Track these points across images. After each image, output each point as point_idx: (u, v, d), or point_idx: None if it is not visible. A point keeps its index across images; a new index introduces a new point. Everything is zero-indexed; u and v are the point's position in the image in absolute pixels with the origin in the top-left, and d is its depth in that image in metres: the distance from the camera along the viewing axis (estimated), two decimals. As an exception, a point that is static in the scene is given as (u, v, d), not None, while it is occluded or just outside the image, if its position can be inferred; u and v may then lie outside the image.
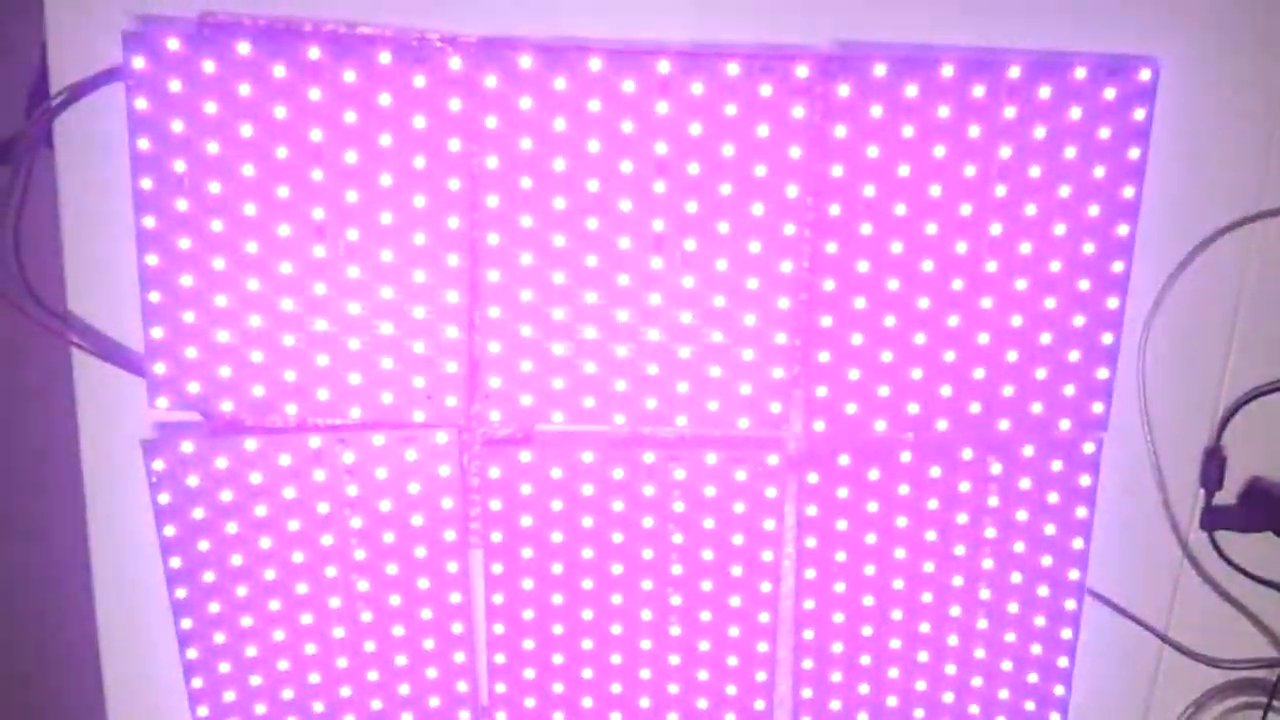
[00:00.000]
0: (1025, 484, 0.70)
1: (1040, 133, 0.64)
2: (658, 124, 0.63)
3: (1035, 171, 0.65)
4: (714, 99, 0.63)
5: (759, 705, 0.73)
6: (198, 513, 0.68)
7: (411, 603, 0.71)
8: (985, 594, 0.72)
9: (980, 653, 0.73)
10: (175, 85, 0.62)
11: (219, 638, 0.71)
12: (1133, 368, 0.70)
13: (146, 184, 0.63)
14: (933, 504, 0.70)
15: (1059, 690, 0.74)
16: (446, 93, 0.63)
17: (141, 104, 0.62)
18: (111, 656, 0.72)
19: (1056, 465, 0.70)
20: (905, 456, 0.69)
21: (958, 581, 0.72)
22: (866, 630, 0.72)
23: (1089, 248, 0.66)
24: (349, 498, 0.69)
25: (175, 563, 0.69)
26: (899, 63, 0.63)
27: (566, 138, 0.63)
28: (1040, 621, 0.73)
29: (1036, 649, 0.73)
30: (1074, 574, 0.72)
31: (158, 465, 0.67)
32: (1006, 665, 0.73)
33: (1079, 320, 0.67)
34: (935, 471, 0.70)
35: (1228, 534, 0.73)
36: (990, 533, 0.71)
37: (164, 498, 0.68)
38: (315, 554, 0.70)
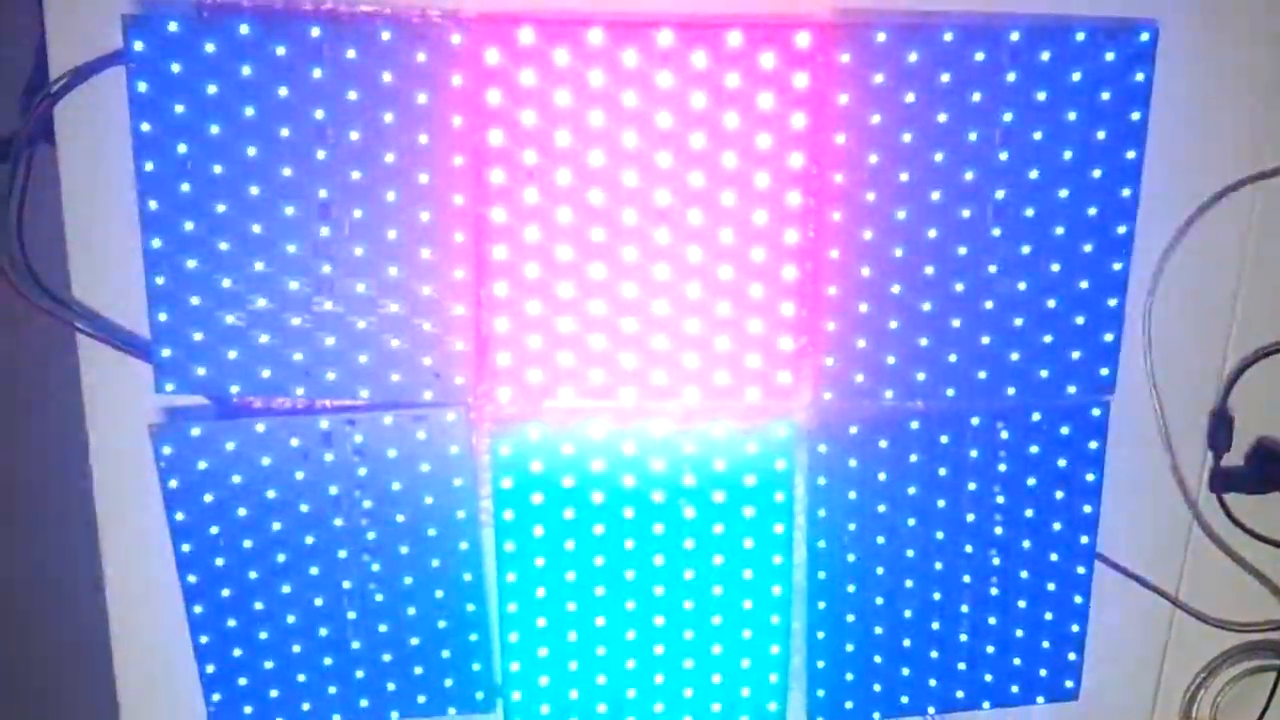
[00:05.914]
0: (1034, 449, 0.70)
1: (1042, 96, 0.64)
2: (660, 96, 0.63)
3: (1038, 135, 0.65)
4: (716, 69, 0.63)
5: (774, 678, 0.73)
6: (208, 497, 0.68)
7: (424, 583, 0.71)
8: (996, 561, 0.72)
9: (993, 620, 0.73)
10: (176, 67, 0.62)
11: (231, 622, 0.71)
12: (1138, 331, 0.70)
13: (149, 167, 0.63)
14: (942, 471, 0.70)
15: (1072, 656, 0.74)
16: (448, 69, 0.62)
17: (143, 87, 0.62)
18: (123, 642, 0.72)
19: (1064, 430, 0.70)
20: (914, 425, 0.69)
21: (969, 549, 0.72)
22: (879, 600, 0.72)
23: (1093, 211, 0.66)
24: (359, 478, 0.69)
25: (186, 547, 0.69)
26: (900, 30, 0.63)
27: (569, 111, 0.63)
28: (1052, 587, 0.73)
29: (1049, 615, 0.73)
30: (1084, 539, 0.72)
31: (166, 450, 0.67)
32: (1019, 632, 0.73)
33: (1084, 284, 0.67)
34: (944, 439, 0.70)
35: (1237, 496, 0.73)
36: (1000, 499, 0.71)
37: (173, 482, 0.68)
38: (326, 536, 0.70)
